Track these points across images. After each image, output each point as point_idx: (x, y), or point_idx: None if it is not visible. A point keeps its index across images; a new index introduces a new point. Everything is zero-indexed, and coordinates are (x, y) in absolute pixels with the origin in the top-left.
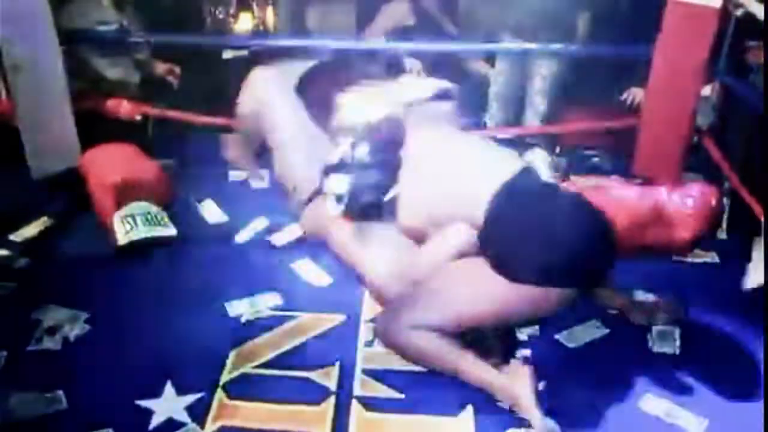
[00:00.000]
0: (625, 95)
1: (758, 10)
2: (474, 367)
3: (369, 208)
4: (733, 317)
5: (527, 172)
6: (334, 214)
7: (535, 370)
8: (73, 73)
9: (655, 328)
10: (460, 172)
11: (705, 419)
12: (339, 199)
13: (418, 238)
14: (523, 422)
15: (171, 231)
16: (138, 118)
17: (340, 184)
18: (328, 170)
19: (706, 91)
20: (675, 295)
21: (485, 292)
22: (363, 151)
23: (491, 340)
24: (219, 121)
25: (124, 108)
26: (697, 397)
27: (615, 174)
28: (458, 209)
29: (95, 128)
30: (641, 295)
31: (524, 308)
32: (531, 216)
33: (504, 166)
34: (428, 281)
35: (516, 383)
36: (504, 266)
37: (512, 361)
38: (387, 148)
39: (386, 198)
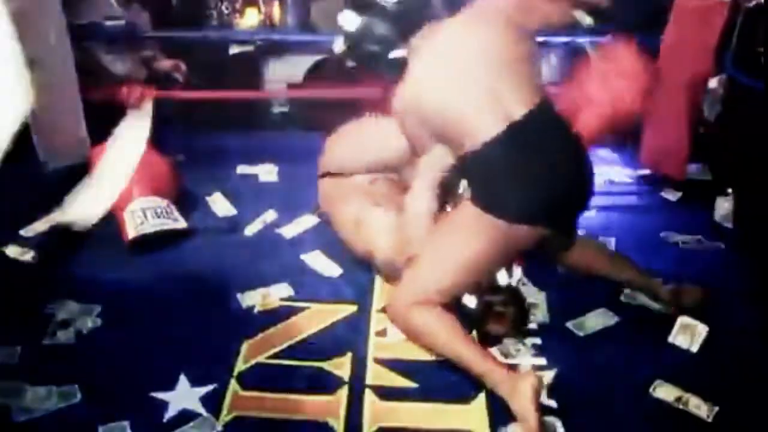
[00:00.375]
0: None
1: None
2: (476, 354)
3: (370, 57)
4: (739, 307)
5: (543, 106)
6: (337, 50)
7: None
8: (79, 69)
9: (680, 320)
10: (474, 91)
11: (715, 406)
12: (346, 37)
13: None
14: None
15: (181, 224)
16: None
17: (352, 21)
18: (347, 5)
19: (713, 83)
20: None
21: (470, 245)
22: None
23: (503, 304)
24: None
25: (134, 95)
26: (708, 384)
27: (621, 165)
28: (458, 128)
29: (105, 122)
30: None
31: (505, 249)
32: (528, 153)
33: (521, 99)
34: (416, 257)
35: (519, 389)
36: (485, 196)
37: (524, 366)
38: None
39: (391, 55)
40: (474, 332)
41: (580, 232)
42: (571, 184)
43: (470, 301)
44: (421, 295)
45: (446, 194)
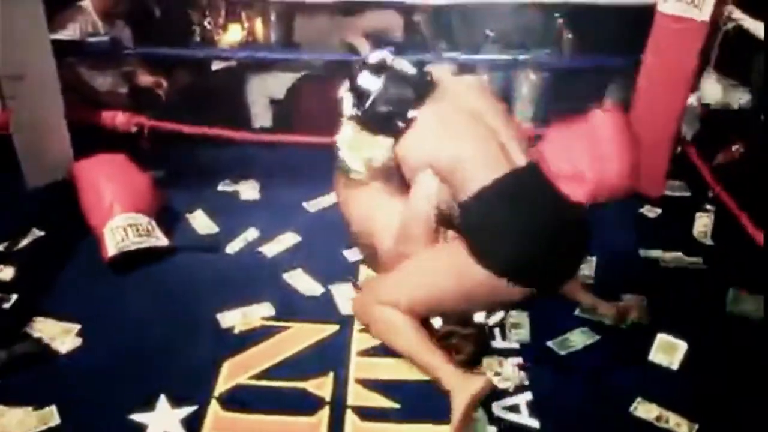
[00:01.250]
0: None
1: (753, 26)
2: (432, 351)
3: (386, 118)
4: (718, 322)
5: (532, 168)
6: (346, 114)
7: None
8: (62, 85)
9: (660, 338)
10: (471, 143)
11: (695, 424)
12: (360, 98)
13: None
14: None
15: (162, 241)
16: (133, 129)
17: (373, 82)
18: (364, 67)
19: (692, 100)
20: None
21: (451, 280)
22: (402, 63)
23: (464, 338)
24: (209, 131)
25: (119, 119)
26: (688, 402)
27: None
28: (455, 174)
29: (88, 137)
30: (627, 298)
31: (485, 298)
32: (520, 209)
33: (520, 151)
34: (405, 263)
35: (465, 385)
36: (477, 247)
37: (481, 372)
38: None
39: (407, 116)
40: None
41: None
42: (564, 247)
43: (436, 321)
44: (389, 298)
45: (445, 221)
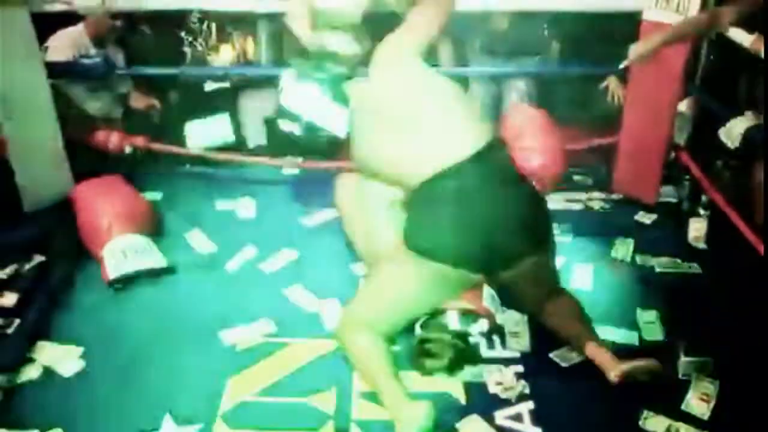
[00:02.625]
0: (604, 83)
1: (738, 37)
2: (387, 386)
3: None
4: (716, 326)
5: (489, 149)
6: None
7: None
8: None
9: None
10: (417, 136)
11: None
12: (299, 130)
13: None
14: None
15: (161, 262)
16: (128, 150)
17: (292, 126)
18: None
19: (682, 106)
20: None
21: (398, 279)
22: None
23: (442, 344)
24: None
25: (112, 141)
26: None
27: (596, 190)
28: (403, 171)
29: (85, 159)
30: (640, 314)
31: (428, 290)
32: (465, 197)
33: (466, 140)
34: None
35: (403, 417)
36: (416, 235)
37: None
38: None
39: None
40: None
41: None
42: (508, 227)
43: (416, 329)
44: (358, 320)
45: None
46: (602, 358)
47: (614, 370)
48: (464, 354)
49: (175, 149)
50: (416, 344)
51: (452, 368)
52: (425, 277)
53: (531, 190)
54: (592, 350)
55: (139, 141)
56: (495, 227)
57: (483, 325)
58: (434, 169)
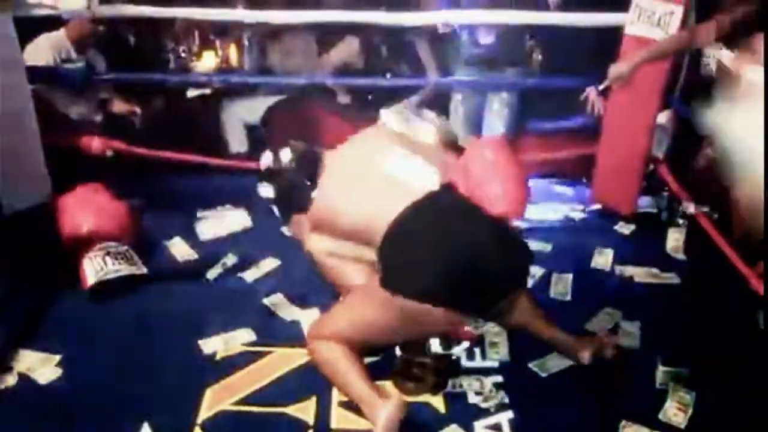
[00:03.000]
0: (584, 94)
1: (718, 54)
2: (355, 381)
3: (293, 208)
4: (694, 335)
5: (446, 190)
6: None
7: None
8: (36, 113)
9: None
10: (373, 187)
11: None
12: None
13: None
14: None
15: (140, 269)
16: (109, 154)
17: (268, 191)
18: (261, 179)
19: (662, 119)
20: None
21: (375, 312)
22: (287, 154)
23: (424, 368)
24: (185, 158)
25: (93, 146)
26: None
27: (575, 201)
28: (367, 224)
29: (65, 163)
30: (607, 312)
31: (413, 326)
32: (431, 234)
33: (420, 182)
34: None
35: (377, 414)
36: (391, 280)
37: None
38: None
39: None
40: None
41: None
42: (487, 262)
43: (397, 350)
44: (332, 331)
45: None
46: (567, 342)
47: (583, 350)
48: (447, 374)
49: (156, 154)
50: (398, 366)
51: (435, 389)
52: (398, 311)
53: (504, 224)
54: (554, 335)
55: (120, 146)
56: (483, 258)
57: (465, 345)
58: (401, 208)
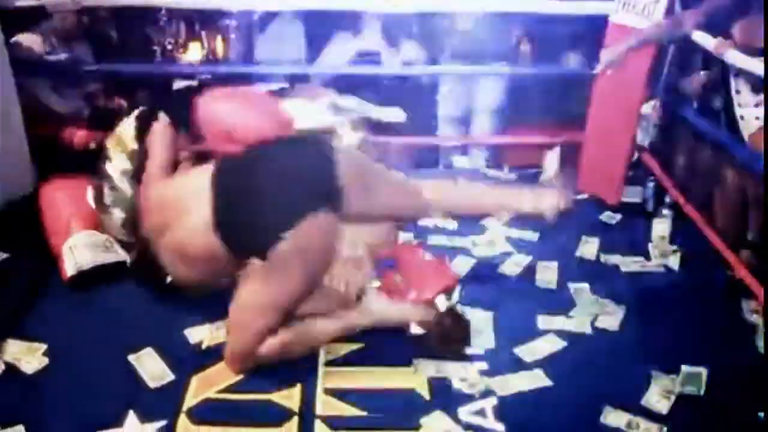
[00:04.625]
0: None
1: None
2: (326, 325)
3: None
4: (678, 322)
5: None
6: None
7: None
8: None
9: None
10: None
11: (665, 426)
12: None
13: None
14: None
15: (120, 256)
16: (93, 146)
17: None
18: None
19: (647, 109)
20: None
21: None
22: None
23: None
24: None
25: (78, 138)
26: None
27: None
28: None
29: (50, 155)
30: (592, 301)
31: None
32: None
33: None
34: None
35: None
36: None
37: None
38: None
39: None
40: None
41: None
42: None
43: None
44: (254, 342)
45: None
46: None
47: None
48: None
49: None
50: (433, 338)
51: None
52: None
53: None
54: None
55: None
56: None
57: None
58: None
